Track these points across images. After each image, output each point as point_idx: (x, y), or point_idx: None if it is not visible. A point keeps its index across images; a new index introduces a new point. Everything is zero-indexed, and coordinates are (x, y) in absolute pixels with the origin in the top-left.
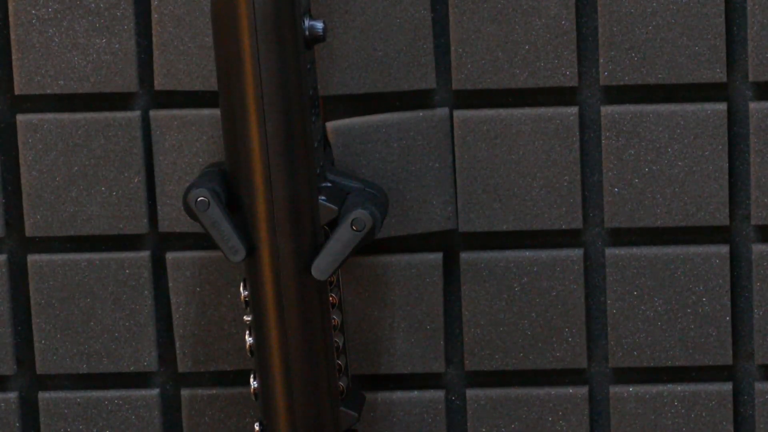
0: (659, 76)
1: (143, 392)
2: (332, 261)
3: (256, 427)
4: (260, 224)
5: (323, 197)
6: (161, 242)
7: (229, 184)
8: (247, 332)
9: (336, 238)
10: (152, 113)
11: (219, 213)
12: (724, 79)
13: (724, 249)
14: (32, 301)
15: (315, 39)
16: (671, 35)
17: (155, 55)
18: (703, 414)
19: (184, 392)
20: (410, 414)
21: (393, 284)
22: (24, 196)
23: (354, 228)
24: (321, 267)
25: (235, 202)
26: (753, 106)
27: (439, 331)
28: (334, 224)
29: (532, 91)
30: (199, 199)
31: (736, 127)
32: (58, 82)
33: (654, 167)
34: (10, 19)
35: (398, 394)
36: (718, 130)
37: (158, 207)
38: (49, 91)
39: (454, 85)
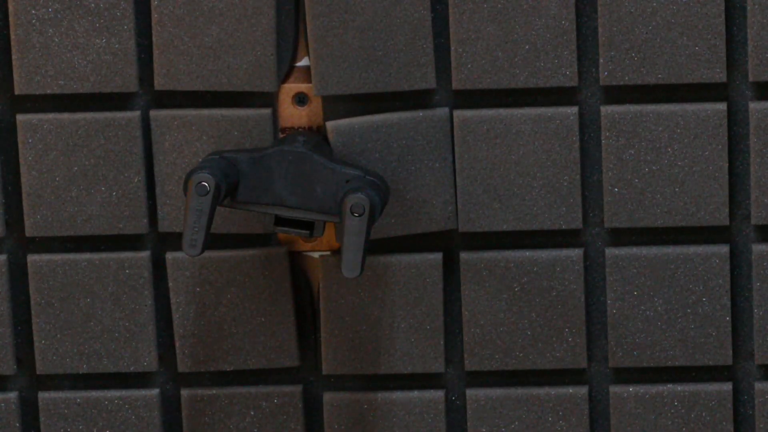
0: (659, 76)
1: (143, 392)
2: (355, 254)
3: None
4: None
5: None
6: (161, 242)
7: (229, 175)
8: None
9: (347, 232)
10: (152, 113)
11: (208, 206)
12: (724, 79)
13: (724, 249)
14: (32, 301)
15: None
16: (671, 35)
17: (155, 55)
18: (703, 414)
19: (184, 392)
20: (410, 414)
21: (393, 284)
22: (24, 196)
23: (355, 214)
24: (348, 265)
25: (233, 192)
26: (753, 106)
27: (439, 331)
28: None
29: (532, 91)
30: (202, 183)
31: (736, 127)
32: (58, 82)
33: (654, 167)
34: (10, 19)
35: (398, 394)
36: (718, 130)
37: (158, 207)
38: (49, 91)
39: (454, 85)
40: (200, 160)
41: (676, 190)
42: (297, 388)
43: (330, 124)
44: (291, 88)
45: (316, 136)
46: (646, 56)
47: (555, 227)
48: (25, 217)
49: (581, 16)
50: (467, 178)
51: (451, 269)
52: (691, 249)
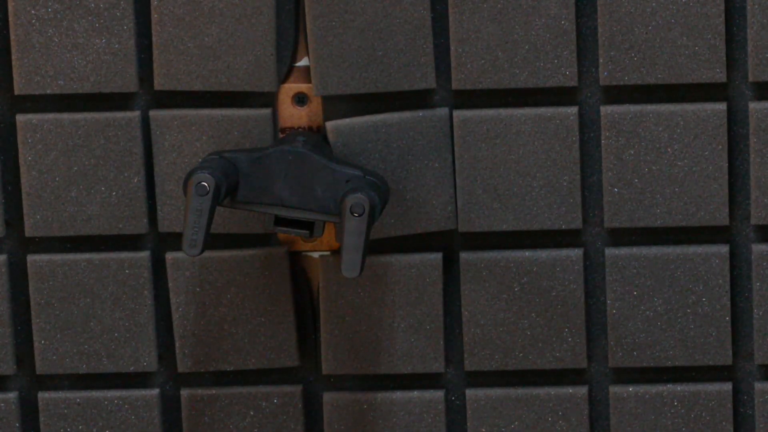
0: (659, 76)
1: (143, 392)
2: (355, 254)
3: None
4: None
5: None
6: (161, 242)
7: (229, 175)
8: None
9: (347, 232)
10: (152, 113)
11: (208, 206)
12: (724, 79)
13: (724, 249)
14: (32, 301)
15: None
16: (671, 35)
17: (155, 55)
18: (703, 414)
19: (184, 392)
20: (410, 414)
21: (393, 284)
22: (24, 196)
23: (355, 214)
24: (348, 265)
25: (233, 192)
26: (753, 106)
27: (439, 331)
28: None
29: (532, 91)
30: (202, 183)
31: (736, 127)
32: (58, 82)
33: (654, 167)
34: (10, 19)
35: (398, 394)
36: (718, 130)
37: (158, 207)
38: (49, 91)
39: (454, 85)
40: (200, 160)
41: (676, 190)
42: (297, 388)
43: (330, 124)
44: (291, 88)
45: (316, 136)
46: (646, 56)
47: (555, 227)
48: (25, 217)
49: (581, 16)
50: (467, 178)
51: (451, 269)
52: (691, 249)
